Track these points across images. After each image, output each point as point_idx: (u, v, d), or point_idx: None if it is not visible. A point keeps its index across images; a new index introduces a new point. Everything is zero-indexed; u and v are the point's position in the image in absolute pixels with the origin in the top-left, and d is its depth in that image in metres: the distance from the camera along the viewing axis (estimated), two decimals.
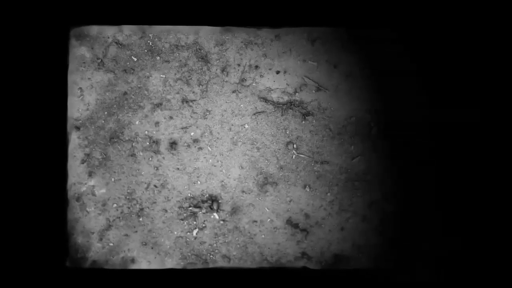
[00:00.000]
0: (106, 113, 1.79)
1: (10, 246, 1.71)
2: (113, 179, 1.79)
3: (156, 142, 1.80)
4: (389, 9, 1.79)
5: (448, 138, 1.80)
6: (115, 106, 1.79)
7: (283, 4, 1.78)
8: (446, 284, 1.79)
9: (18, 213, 1.71)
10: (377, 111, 1.81)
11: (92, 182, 1.79)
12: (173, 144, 1.81)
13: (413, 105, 1.80)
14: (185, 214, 1.81)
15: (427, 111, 1.80)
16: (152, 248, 1.79)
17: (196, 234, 1.81)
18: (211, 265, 1.80)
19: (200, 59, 1.80)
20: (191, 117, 1.80)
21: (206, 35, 1.80)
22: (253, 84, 1.81)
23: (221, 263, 1.80)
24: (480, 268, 1.79)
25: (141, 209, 1.80)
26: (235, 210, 1.82)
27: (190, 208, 1.81)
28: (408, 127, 1.80)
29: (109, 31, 1.79)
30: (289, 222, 1.82)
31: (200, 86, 1.80)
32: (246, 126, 1.81)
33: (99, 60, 1.78)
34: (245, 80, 1.81)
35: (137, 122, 1.79)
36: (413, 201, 1.82)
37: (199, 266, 1.79)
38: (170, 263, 1.79)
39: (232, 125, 1.81)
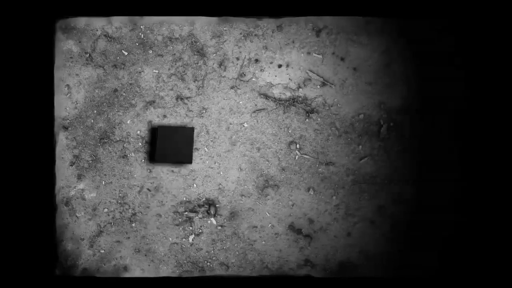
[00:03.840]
0: (95, 111, 1.78)
1: None
2: (103, 182, 1.80)
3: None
4: None
5: (460, 138, 1.81)
6: (105, 104, 1.78)
7: None
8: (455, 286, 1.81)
9: (4, 219, 1.72)
10: (387, 108, 1.80)
11: (81, 186, 1.79)
12: None
13: (424, 104, 1.80)
14: (180, 219, 1.80)
15: (440, 110, 1.81)
16: (145, 255, 1.80)
17: (192, 240, 1.81)
18: (208, 273, 1.81)
19: (195, 53, 1.78)
20: (186, 115, 1.79)
21: (202, 27, 1.78)
22: (253, 79, 1.80)
23: (219, 271, 1.81)
24: (491, 273, 1.79)
25: (134, 214, 1.80)
26: (233, 215, 1.81)
27: (186, 213, 1.80)
28: (419, 125, 1.81)
29: (98, 23, 1.76)
30: (291, 227, 1.82)
31: (196, 82, 1.78)
32: (246, 124, 1.80)
33: (87, 55, 1.77)
34: (244, 75, 1.79)
35: (128, 121, 1.79)
36: (424, 204, 1.82)
37: (196, 274, 1.80)
38: (165, 271, 1.80)
39: (231, 123, 1.79)
